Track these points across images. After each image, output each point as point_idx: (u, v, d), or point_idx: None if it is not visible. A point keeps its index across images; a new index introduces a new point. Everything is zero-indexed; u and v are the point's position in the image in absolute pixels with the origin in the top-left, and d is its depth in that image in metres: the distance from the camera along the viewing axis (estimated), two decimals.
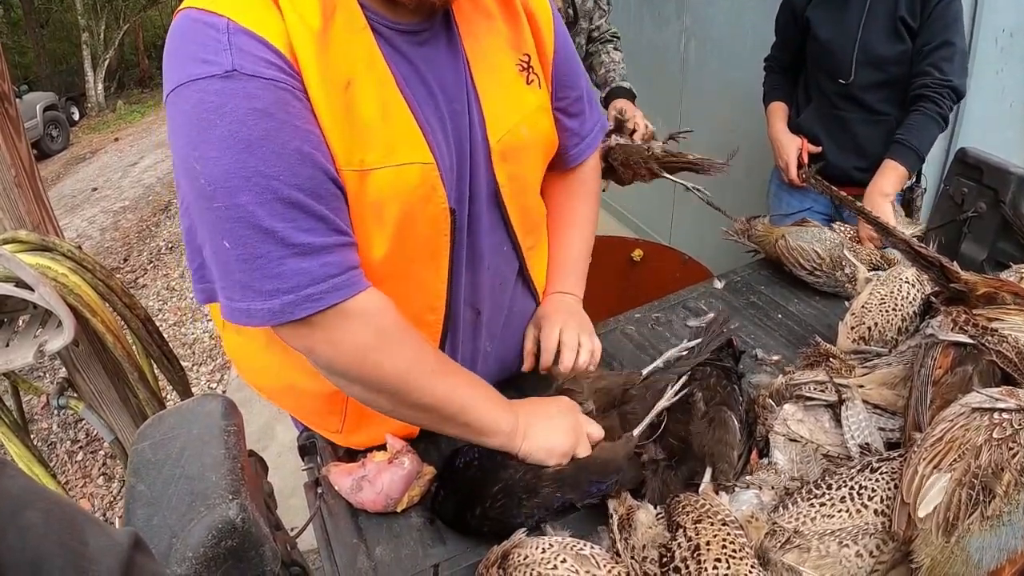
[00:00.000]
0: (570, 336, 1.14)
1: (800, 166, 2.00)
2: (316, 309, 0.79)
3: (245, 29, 0.75)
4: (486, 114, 0.98)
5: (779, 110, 2.09)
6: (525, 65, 1.04)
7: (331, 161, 0.82)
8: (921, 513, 0.76)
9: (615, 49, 2.16)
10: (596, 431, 1.03)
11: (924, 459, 0.79)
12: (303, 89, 0.79)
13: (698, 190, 1.78)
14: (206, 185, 0.76)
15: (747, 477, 0.98)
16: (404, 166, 0.87)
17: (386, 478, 1.02)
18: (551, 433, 0.99)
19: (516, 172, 1.04)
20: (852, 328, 1.24)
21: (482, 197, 1.02)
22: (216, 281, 0.84)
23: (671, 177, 1.77)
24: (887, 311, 1.22)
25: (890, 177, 1.74)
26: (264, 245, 0.76)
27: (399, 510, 1.03)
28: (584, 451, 1.00)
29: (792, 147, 1.99)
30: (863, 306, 1.25)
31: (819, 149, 1.97)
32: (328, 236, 0.80)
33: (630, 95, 2.05)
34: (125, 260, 5.74)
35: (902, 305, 1.22)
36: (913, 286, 1.24)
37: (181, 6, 0.80)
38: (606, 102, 2.05)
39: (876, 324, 1.21)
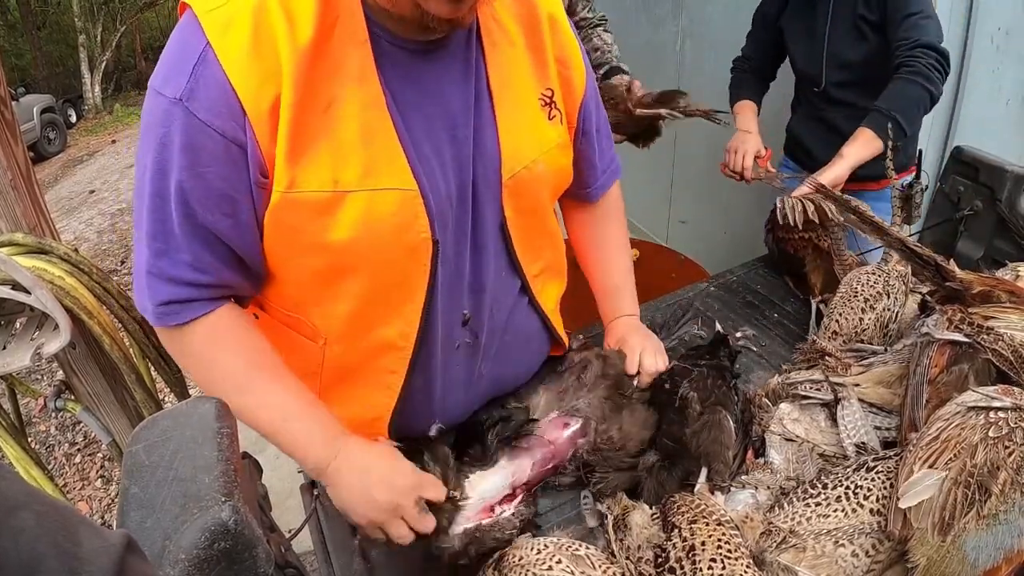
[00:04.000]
0: (649, 361, 1.19)
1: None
2: (174, 323, 0.88)
3: (215, 61, 0.76)
4: (503, 147, 0.95)
5: (748, 108, 2.02)
6: (548, 100, 1.00)
7: (238, 213, 0.84)
8: (903, 504, 0.76)
9: (605, 31, 2.08)
10: (434, 493, 0.94)
11: (920, 458, 0.79)
12: (243, 139, 0.79)
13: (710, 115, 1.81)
14: (137, 182, 0.84)
15: (743, 477, 0.98)
16: (381, 191, 0.85)
17: None
18: (356, 492, 0.91)
19: (526, 206, 1.01)
20: (826, 327, 1.27)
21: (487, 227, 0.98)
22: None
23: (651, 112, 1.80)
24: (847, 300, 1.27)
25: (855, 141, 1.60)
26: (140, 256, 0.86)
27: None
28: (410, 522, 0.91)
29: (751, 147, 1.91)
30: (832, 304, 1.30)
31: (769, 163, 1.94)
32: (191, 274, 0.86)
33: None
34: (122, 262, 5.72)
35: (861, 290, 1.26)
36: (873, 274, 1.28)
37: None
38: (606, 78, 1.99)
39: (842, 314, 1.25)
